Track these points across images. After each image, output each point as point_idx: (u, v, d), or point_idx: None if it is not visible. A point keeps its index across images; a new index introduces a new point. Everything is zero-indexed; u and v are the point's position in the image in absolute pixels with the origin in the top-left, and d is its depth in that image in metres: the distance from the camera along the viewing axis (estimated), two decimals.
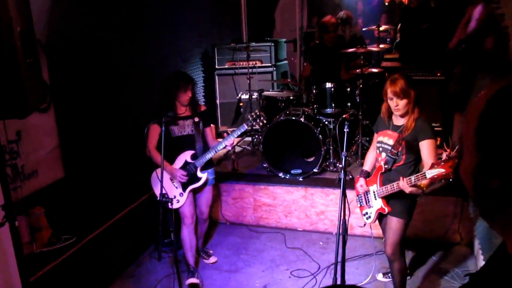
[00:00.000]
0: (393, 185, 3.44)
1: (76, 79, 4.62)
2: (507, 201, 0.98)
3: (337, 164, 5.56)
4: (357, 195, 3.83)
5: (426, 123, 3.47)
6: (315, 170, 5.40)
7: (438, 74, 6.04)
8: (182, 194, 4.30)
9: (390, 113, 3.60)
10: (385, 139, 3.62)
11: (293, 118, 5.35)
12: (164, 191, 3.70)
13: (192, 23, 7.08)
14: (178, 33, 6.66)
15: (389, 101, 3.50)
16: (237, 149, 6.56)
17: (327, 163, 5.59)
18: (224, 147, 4.30)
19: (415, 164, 3.53)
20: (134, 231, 5.00)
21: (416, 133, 3.44)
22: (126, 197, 5.13)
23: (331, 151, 5.57)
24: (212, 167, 4.55)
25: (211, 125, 4.60)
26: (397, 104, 3.43)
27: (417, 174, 3.25)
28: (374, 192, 3.65)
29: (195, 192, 4.44)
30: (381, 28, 6.86)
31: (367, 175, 3.78)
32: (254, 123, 4.34)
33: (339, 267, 3.22)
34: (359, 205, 3.84)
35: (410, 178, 3.28)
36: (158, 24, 5.98)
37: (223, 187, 5.60)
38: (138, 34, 5.52)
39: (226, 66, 7.36)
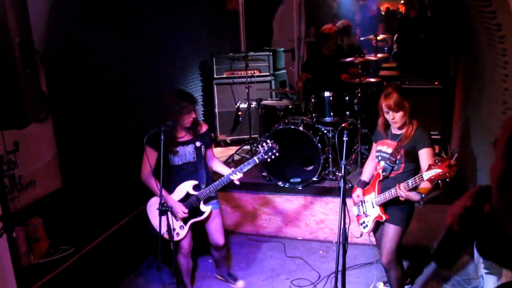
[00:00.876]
0: (391, 191, 3.46)
1: (74, 89, 4.61)
2: None
3: (336, 173, 5.55)
4: (354, 205, 3.85)
5: (424, 132, 3.51)
6: (314, 178, 5.39)
7: (436, 83, 6.06)
8: (183, 228, 3.99)
9: (386, 126, 3.66)
10: (384, 147, 3.65)
11: (292, 127, 5.35)
12: (163, 200, 3.57)
13: (191, 33, 7.10)
14: (176, 43, 6.68)
15: (385, 115, 3.56)
16: (236, 157, 6.56)
17: (326, 172, 5.58)
18: (231, 181, 3.92)
19: (414, 173, 3.52)
20: (132, 241, 4.97)
21: (415, 142, 3.47)
22: (124, 207, 5.11)
23: (330, 159, 5.56)
24: (216, 196, 4.19)
25: (213, 144, 4.21)
26: (393, 117, 3.49)
27: (414, 177, 3.27)
28: (371, 200, 3.66)
29: (201, 222, 4.10)
30: (378, 38, 6.90)
31: (364, 185, 3.80)
32: (265, 157, 3.85)
33: (339, 276, 3.20)
34: (356, 215, 3.84)
35: (407, 182, 3.31)
36: (156, 34, 5.99)
37: (222, 196, 5.57)
38: (136, 43, 5.53)
39: (225, 76, 7.38)
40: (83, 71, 4.67)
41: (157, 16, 5.95)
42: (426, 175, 3.12)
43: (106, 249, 4.57)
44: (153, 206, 4.01)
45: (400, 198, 3.40)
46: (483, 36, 3.87)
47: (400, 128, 3.56)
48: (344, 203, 3.29)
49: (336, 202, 5.16)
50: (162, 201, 3.54)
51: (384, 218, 3.58)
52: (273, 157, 3.87)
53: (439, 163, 3.04)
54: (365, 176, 3.89)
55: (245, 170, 3.88)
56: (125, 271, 4.83)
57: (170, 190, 3.95)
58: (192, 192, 3.94)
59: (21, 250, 3.87)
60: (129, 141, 4.83)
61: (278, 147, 3.86)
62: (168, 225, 3.62)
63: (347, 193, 3.57)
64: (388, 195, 3.49)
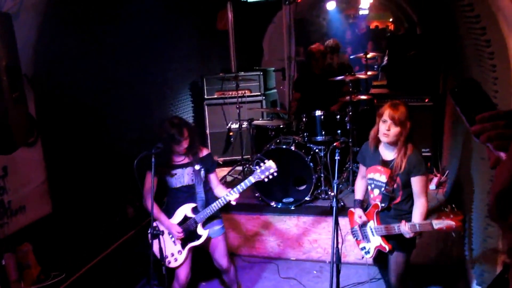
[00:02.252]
0: (394, 227, 3.33)
1: (63, 112, 4.59)
2: None
3: (329, 192, 5.54)
4: (352, 228, 3.74)
5: (420, 158, 3.35)
6: (306, 198, 5.37)
7: (426, 100, 6.10)
8: (181, 252, 3.93)
9: (377, 141, 3.47)
10: (376, 175, 3.49)
11: (284, 146, 5.35)
12: (155, 224, 3.55)
13: (180, 53, 7.12)
14: (166, 63, 6.69)
15: (381, 124, 3.34)
16: (229, 178, 6.53)
17: (319, 191, 5.56)
18: (228, 202, 3.80)
19: (411, 199, 3.44)
20: (124, 266, 4.90)
21: (410, 168, 3.32)
22: (115, 231, 5.05)
23: (322, 178, 5.55)
24: (219, 218, 4.10)
25: (215, 170, 4.10)
26: (388, 129, 3.28)
27: (422, 222, 3.20)
28: (371, 228, 3.54)
29: (206, 248, 4.05)
30: (368, 56, 6.96)
31: (361, 203, 3.68)
32: (262, 176, 3.69)
33: None
34: (354, 239, 3.75)
35: (415, 225, 3.21)
36: (145, 55, 6.00)
37: None
38: (126, 65, 5.53)
39: (216, 96, 7.38)
40: (72, 94, 4.65)
41: (146, 38, 5.97)
42: (436, 224, 3.05)
43: (97, 274, 4.49)
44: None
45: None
46: (473, 53, 3.89)
47: (389, 143, 3.37)
48: (336, 223, 3.27)
49: (328, 221, 5.13)
50: (154, 225, 3.52)
51: (387, 249, 3.45)
52: (270, 177, 3.70)
53: (452, 216, 3.00)
54: (359, 194, 3.74)
55: (241, 190, 3.75)
56: None
57: (170, 214, 3.92)
58: (190, 215, 3.90)
59: (11, 277, 3.80)
60: (119, 167, 4.80)
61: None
62: (160, 249, 3.59)
63: (340, 212, 3.54)
64: (391, 230, 3.36)
